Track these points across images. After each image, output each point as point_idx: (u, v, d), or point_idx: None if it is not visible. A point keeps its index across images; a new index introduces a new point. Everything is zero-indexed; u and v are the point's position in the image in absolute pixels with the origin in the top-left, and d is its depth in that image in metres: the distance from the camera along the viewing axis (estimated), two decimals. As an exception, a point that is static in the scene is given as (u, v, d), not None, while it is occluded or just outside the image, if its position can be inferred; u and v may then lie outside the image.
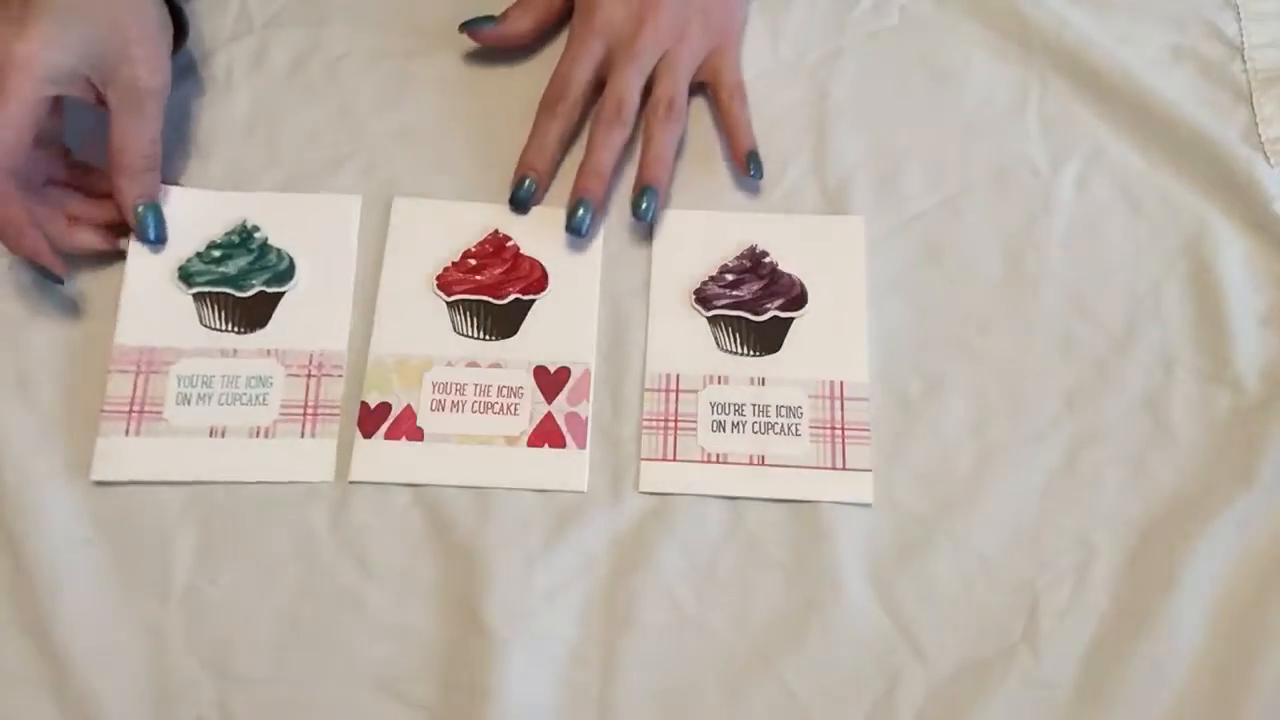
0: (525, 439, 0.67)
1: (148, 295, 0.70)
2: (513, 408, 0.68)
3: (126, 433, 0.66)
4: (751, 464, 0.66)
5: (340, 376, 0.68)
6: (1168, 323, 0.70)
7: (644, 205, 0.71)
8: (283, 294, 0.71)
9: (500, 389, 0.68)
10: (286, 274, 0.71)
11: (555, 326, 0.70)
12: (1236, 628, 0.61)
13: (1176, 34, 0.80)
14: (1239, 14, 0.81)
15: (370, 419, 0.67)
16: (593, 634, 0.62)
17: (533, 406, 0.68)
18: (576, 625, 0.62)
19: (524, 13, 0.77)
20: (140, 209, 0.70)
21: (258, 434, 0.67)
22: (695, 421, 0.67)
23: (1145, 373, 0.68)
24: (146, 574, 0.63)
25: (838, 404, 0.68)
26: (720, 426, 0.67)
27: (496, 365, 0.69)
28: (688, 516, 0.65)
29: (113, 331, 0.69)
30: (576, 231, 0.71)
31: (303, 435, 0.67)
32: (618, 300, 0.71)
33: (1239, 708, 0.59)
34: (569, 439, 0.67)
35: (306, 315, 0.70)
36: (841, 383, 0.68)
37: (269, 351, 0.69)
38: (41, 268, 0.67)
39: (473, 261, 0.72)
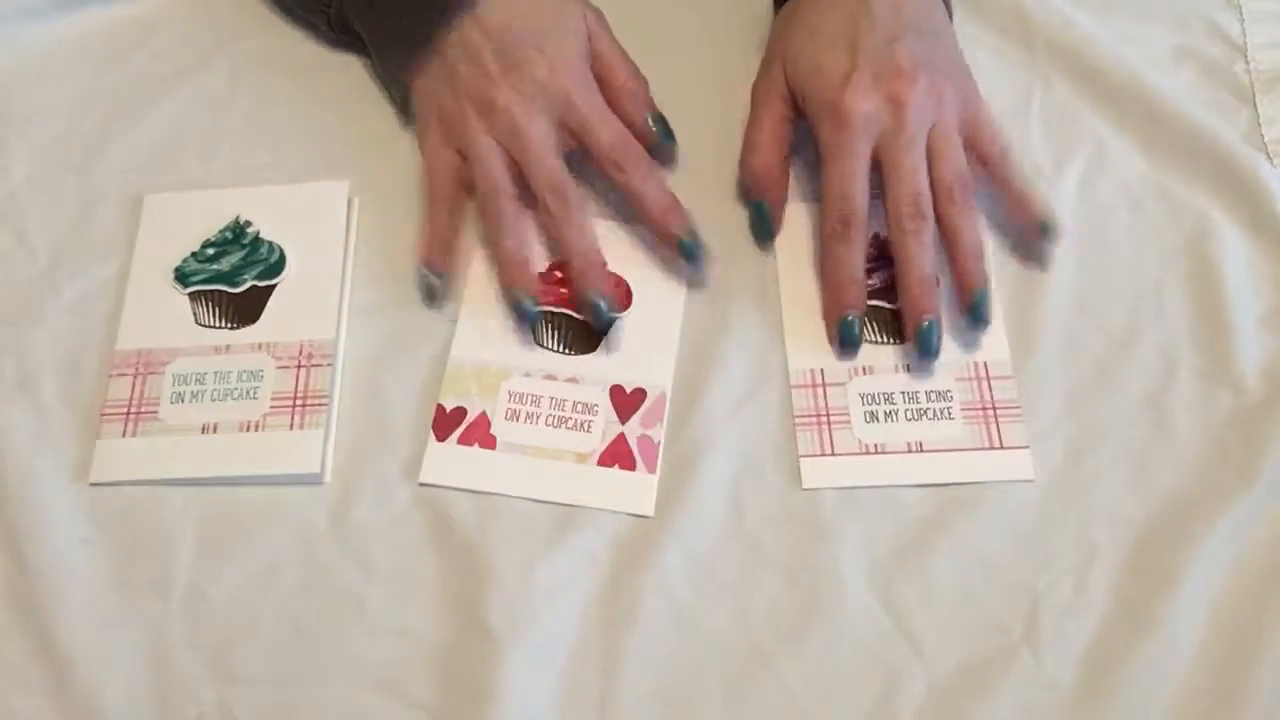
0: (595, 457, 0.67)
1: (147, 299, 0.71)
2: (586, 425, 0.67)
3: (124, 434, 0.67)
4: (910, 451, 0.66)
5: (329, 366, 0.68)
6: (1169, 323, 0.69)
7: (981, 306, 0.67)
8: (274, 286, 0.71)
9: (575, 404, 0.68)
10: (277, 266, 0.71)
11: (635, 346, 0.70)
12: (1236, 628, 0.60)
13: (1179, 34, 0.80)
14: (1242, 14, 0.81)
15: (445, 422, 0.67)
16: (593, 634, 0.62)
17: (605, 425, 0.67)
18: (577, 625, 0.62)
19: (763, 151, 0.72)
20: (649, 119, 0.73)
21: (248, 428, 0.67)
22: (848, 414, 0.67)
23: (1146, 373, 0.68)
24: (146, 574, 0.63)
25: (985, 384, 0.68)
26: (873, 417, 0.67)
27: (574, 380, 0.69)
28: (687, 517, 0.64)
29: (112, 333, 0.70)
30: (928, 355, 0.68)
31: (291, 427, 0.67)
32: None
33: (1239, 708, 0.58)
34: (639, 462, 0.66)
35: (296, 306, 0.70)
36: (985, 363, 0.68)
37: (260, 345, 0.69)
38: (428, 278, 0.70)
39: (559, 274, 0.71)
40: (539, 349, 0.70)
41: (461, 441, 0.67)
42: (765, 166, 0.72)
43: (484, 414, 0.68)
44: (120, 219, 0.73)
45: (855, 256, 0.68)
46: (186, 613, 0.62)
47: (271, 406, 0.67)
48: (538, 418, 0.68)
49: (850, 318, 0.68)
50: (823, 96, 0.68)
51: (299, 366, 0.68)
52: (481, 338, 0.70)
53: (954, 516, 0.64)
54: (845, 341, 0.68)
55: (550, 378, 0.69)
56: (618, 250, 0.72)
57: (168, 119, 0.77)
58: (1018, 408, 0.67)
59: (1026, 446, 0.66)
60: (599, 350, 0.69)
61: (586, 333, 0.70)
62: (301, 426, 0.67)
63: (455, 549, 0.64)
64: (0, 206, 0.74)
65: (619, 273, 0.72)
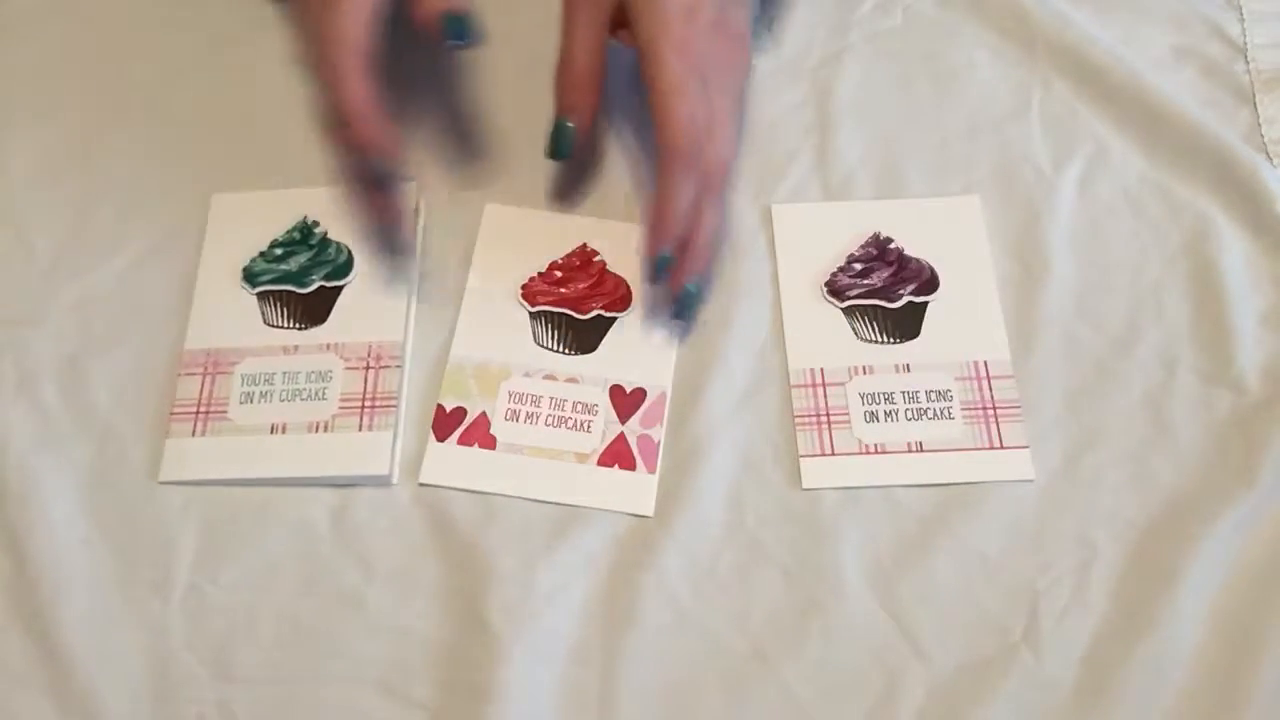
0: (596, 457, 0.67)
1: (215, 299, 0.71)
2: (586, 425, 0.67)
3: (193, 433, 0.67)
4: (910, 451, 0.66)
5: (398, 368, 0.68)
6: (1169, 323, 0.69)
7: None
8: (342, 287, 0.71)
9: (575, 404, 0.68)
10: (345, 267, 0.71)
11: (635, 346, 0.70)
12: (1236, 628, 0.60)
13: (1179, 34, 0.80)
14: (1242, 14, 0.80)
15: (445, 422, 0.67)
16: (593, 633, 0.62)
17: (605, 425, 0.67)
18: (577, 625, 0.62)
19: (578, 63, 0.70)
20: (445, 17, 0.67)
21: (316, 429, 0.67)
22: (848, 414, 0.67)
23: (1146, 373, 0.68)
24: (146, 574, 0.63)
25: (985, 384, 0.68)
26: (873, 417, 0.67)
27: (573, 380, 0.68)
28: (687, 516, 0.64)
29: (112, 333, 0.70)
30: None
31: (360, 429, 0.67)
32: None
33: (1239, 708, 0.58)
34: (639, 462, 0.66)
35: (364, 307, 0.70)
36: (985, 362, 0.68)
37: (328, 346, 0.69)
38: (380, 162, 0.66)
39: (559, 274, 0.71)
40: (538, 349, 0.69)
41: (461, 442, 0.67)
42: (581, 80, 0.70)
43: (484, 414, 0.67)
44: (120, 219, 0.73)
45: (690, 192, 0.67)
46: (186, 613, 0.62)
47: (340, 407, 0.67)
48: (537, 418, 0.67)
49: (667, 252, 0.68)
50: (664, 21, 0.68)
51: (368, 368, 0.68)
52: (481, 338, 0.70)
53: (954, 516, 0.64)
54: (660, 272, 0.68)
55: (550, 378, 0.69)
56: (617, 250, 0.72)
57: (170, 119, 0.77)
58: (1018, 408, 0.67)
59: (1026, 446, 0.66)
60: (599, 350, 0.69)
61: (586, 332, 0.70)
62: (370, 428, 0.67)
63: (455, 549, 0.64)
64: (0, 206, 0.74)
65: (619, 273, 0.72)
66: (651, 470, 0.66)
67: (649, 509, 0.65)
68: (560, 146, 0.70)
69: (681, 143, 0.66)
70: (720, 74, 0.70)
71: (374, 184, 0.67)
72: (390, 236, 0.70)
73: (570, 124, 0.69)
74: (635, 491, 0.66)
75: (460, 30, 0.67)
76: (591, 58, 0.70)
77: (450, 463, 0.66)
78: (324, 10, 0.66)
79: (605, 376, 0.69)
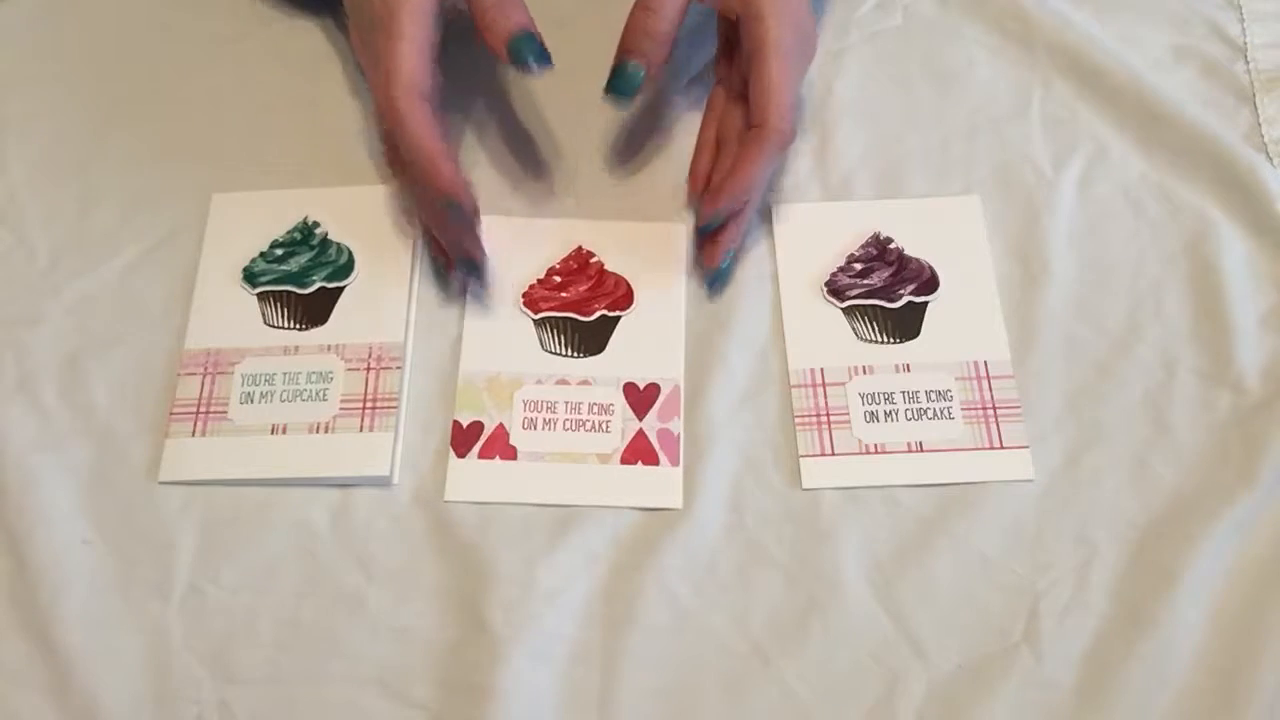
0: (618, 456, 0.66)
1: (215, 299, 0.71)
2: (604, 425, 0.67)
3: (193, 434, 0.67)
4: (910, 451, 0.66)
5: (399, 369, 0.68)
6: (1169, 323, 0.69)
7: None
8: (343, 288, 0.71)
9: (591, 406, 0.68)
10: (346, 268, 0.71)
11: (643, 342, 0.70)
12: (1236, 628, 0.60)
13: (1179, 34, 0.80)
14: (1242, 14, 0.81)
15: (463, 438, 0.67)
16: (593, 633, 0.62)
17: (624, 424, 0.67)
18: (577, 625, 0.62)
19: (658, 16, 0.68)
20: (512, 42, 0.66)
21: (317, 430, 0.67)
22: (848, 414, 0.67)
23: (1146, 373, 0.68)
24: (146, 574, 0.63)
25: (985, 384, 0.68)
26: (873, 417, 0.67)
27: (586, 382, 0.68)
28: (688, 516, 0.64)
29: (112, 333, 0.70)
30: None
31: (361, 429, 0.67)
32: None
33: (1239, 708, 0.58)
34: (662, 456, 0.66)
35: (365, 308, 0.70)
36: (985, 362, 0.68)
37: (329, 347, 0.69)
38: (455, 207, 0.65)
39: (558, 278, 0.71)
40: (547, 355, 0.69)
41: (482, 455, 0.67)
42: (658, 30, 0.68)
43: (501, 426, 0.67)
44: (120, 219, 0.73)
45: (772, 170, 0.69)
46: (186, 613, 0.62)
47: (341, 408, 0.67)
48: (555, 423, 0.67)
49: (724, 214, 0.69)
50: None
51: (368, 369, 0.68)
52: (488, 350, 0.70)
53: (954, 516, 0.64)
54: (706, 230, 0.69)
55: (562, 382, 0.68)
56: (613, 249, 0.72)
57: (170, 119, 0.77)
58: (1018, 407, 0.67)
59: (1026, 446, 0.66)
60: (607, 350, 0.69)
61: (592, 334, 0.70)
62: (371, 429, 0.67)
63: (455, 549, 0.64)
64: (0, 206, 0.74)
65: (617, 271, 0.72)
66: (675, 463, 0.66)
67: (677, 501, 0.65)
68: (625, 85, 0.68)
69: (786, 125, 0.66)
70: (808, 57, 0.71)
71: (442, 217, 0.67)
72: (466, 265, 0.69)
73: (636, 65, 0.68)
74: (661, 485, 0.66)
75: (525, 53, 0.66)
76: (675, 12, 0.68)
77: (473, 478, 0.66)
78: (383, 49, 0.65)
79: (617, 375, 0.69)
